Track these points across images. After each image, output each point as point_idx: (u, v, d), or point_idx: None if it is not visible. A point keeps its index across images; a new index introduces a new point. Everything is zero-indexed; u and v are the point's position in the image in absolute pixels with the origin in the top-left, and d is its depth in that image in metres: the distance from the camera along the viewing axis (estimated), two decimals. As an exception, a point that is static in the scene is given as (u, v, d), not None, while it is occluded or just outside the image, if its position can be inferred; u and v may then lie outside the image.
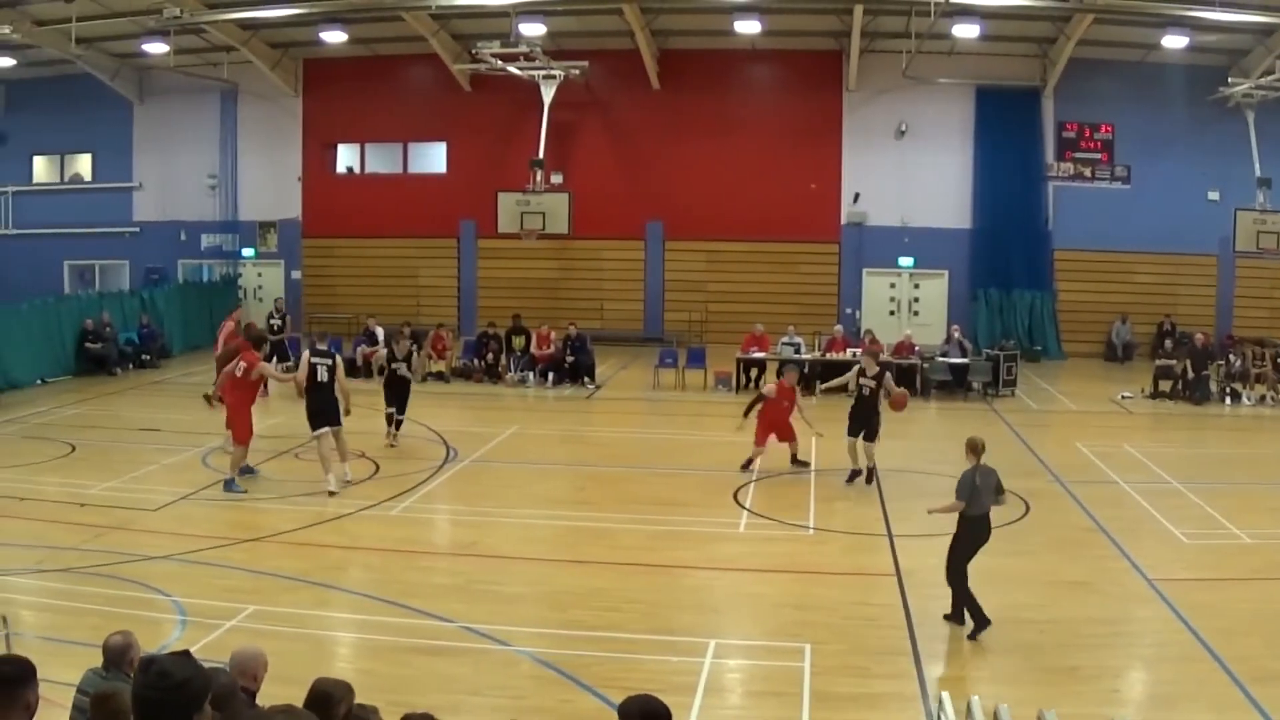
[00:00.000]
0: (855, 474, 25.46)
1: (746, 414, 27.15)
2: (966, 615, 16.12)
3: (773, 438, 26.74)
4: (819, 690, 14.06)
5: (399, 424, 29.50)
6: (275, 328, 39.97)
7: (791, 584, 18.51)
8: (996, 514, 17.88)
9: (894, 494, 24.23)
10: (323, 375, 25.10)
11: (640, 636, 15.88)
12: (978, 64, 47.17)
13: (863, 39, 45.36)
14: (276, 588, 18.18)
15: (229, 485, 24.88)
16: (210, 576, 18.75)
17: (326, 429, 24.96)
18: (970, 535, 16.38)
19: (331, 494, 24.18)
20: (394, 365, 30.02)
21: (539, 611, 17.17)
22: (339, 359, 25.87)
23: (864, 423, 25.53)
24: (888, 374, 26.39)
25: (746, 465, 26.45)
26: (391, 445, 28.93)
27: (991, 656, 15.39)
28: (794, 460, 27.01)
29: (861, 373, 26.16)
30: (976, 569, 17.19)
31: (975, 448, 16.93)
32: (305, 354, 26.04)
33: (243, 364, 25.91)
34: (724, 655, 15.31)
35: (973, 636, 15.90)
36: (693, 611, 17.31)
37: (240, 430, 25.58)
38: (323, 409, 25.06)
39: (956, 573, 16.27)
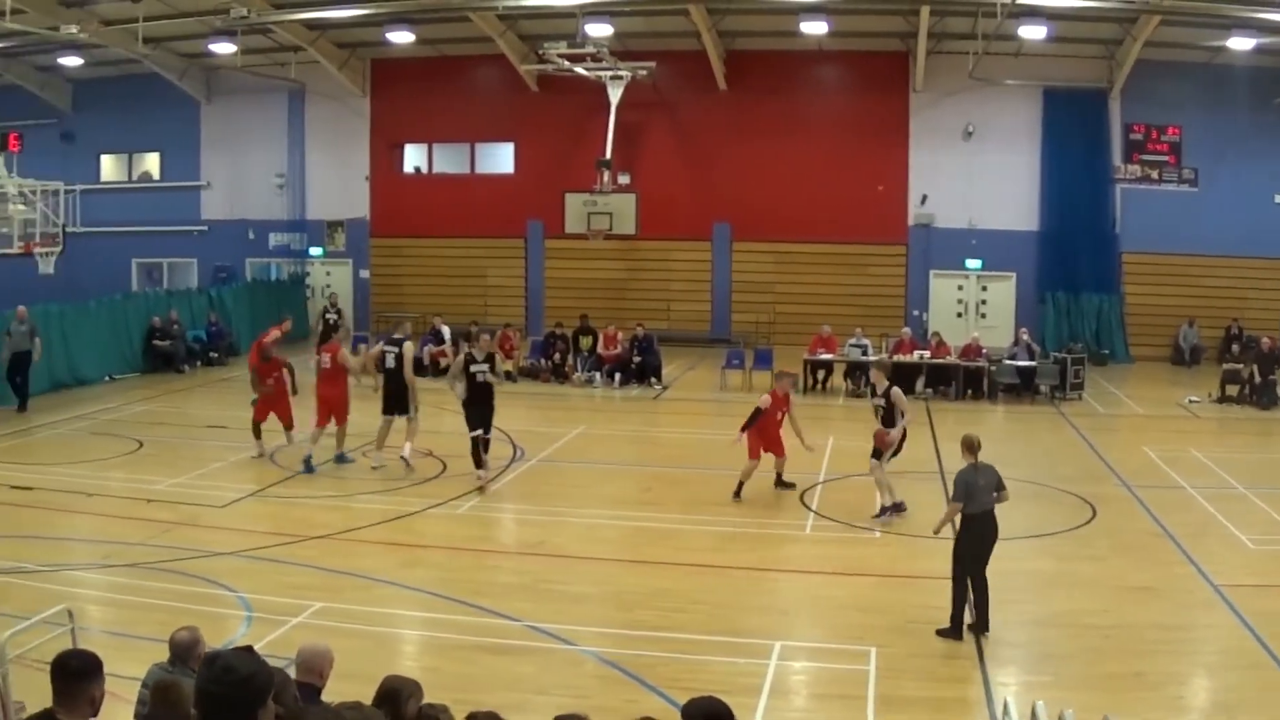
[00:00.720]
0: (894, 508, 23.11)
1: (745, 429, 24.54)
2: (988, 621, 16.16)
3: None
4: (884, 693, 14.12)
5: (487, 445, 25.38)
6: (330, 322, 40.02)
7: (857, 586, 18.54)
8: (1063, 518, 17.90)
9: (961, 497, 24.16)
10: (389, 362, 26.40)
11: (705, 638, 15.96)
12: (1044, 65, 46.90)
13: (929, 40, 45.21)
14: (343, 585, 18.35)
15: (340, 459, 26.79)
16: (276, 573, 18.96)
17: (390, 416, 26.29)
18: (970, 534, 16.32)
19: (374, 468, 25.90)
20: (473, 370, 25.37)
21: (605, 611, 17.26)
22: (406, 351, 26.19)
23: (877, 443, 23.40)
24: (896, 390, 23.19)
25: (738, 493, 24.19)
26: (481, 488, 24.69)
27: (1056, 661, 15.40)
28: (779, 481, 25.11)
29: (871, 390, 24.81)
30: (1041, 573, 17.25)
31: (971, 445, 16.88)
32: (379, 343, 28.13)
33: (326, 356, 26.65)
34: (789, 657, 15.39)
35: (942, 633, 16.02)
36: (758, 613, 17.39)
37: (339, 413, 27.07)
38: (386, 396, 26.57)
39: (959, 572, 16.20)
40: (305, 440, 27.05)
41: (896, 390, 23.09)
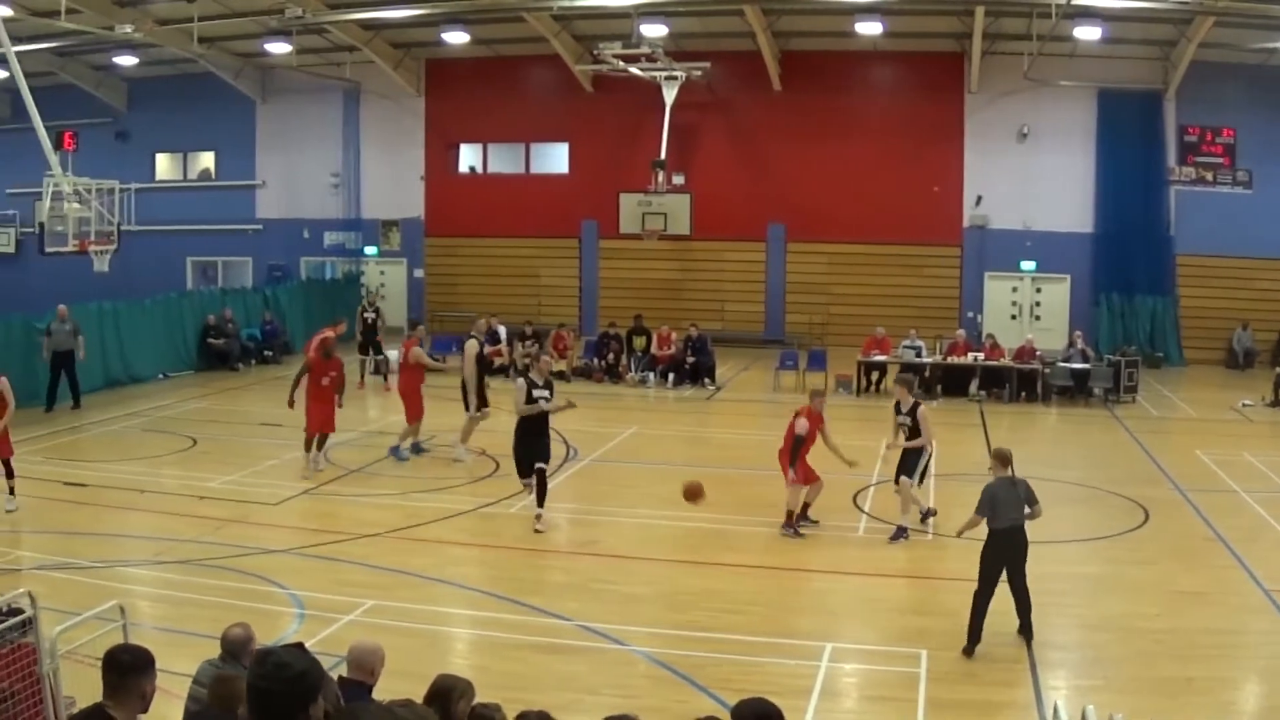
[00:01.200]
0: (927, 514, 22.47)
1: (794, 462, 21.95)
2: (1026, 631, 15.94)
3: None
4: (934, 697, 14.11)
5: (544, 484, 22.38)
6: (369, 320, 40.13)
7: (909, 589, 18.55)
8: (1115, 521, 17.80)
9: (1014, 499, 24.05)
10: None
11: (757, 639, 15.98)
12: (1099, 67, 46.61)
13: (984, 41, 45.02)
14: (395, 583, 18.45)
15: (394, 451, 27.12)
16: (329, 570, 19.09)
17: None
18: (994, 548, 15.88)
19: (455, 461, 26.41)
20: (536, 395, 22.33)
21: (656, 611, 17.27)
22: (469, 349, 26.56)
23: (902, 461, 22.25)
24: (923, 408, 22.27)
25: (798, 522, 21.97)
26: (539, 529, 22.02)
27: (1107, 665, 15.34)
28: (804, 513, 22.38)
29: (897, 407, 22.80)
30: (1092, 576, 17.23)
31: (1004, 458, 16.50)
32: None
33: (401, 351, 27.41)
34: (840, 659, 15.38)
35: (969, 652, 15.61)
36: (810, 615, 17.41)
37: (412, 410, 27.55)
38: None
39: (980, 584, 15.81)
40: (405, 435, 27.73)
41: (924, 409, 22.34)
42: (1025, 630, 15.87)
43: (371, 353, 39.05)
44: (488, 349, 39.50)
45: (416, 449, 27.78)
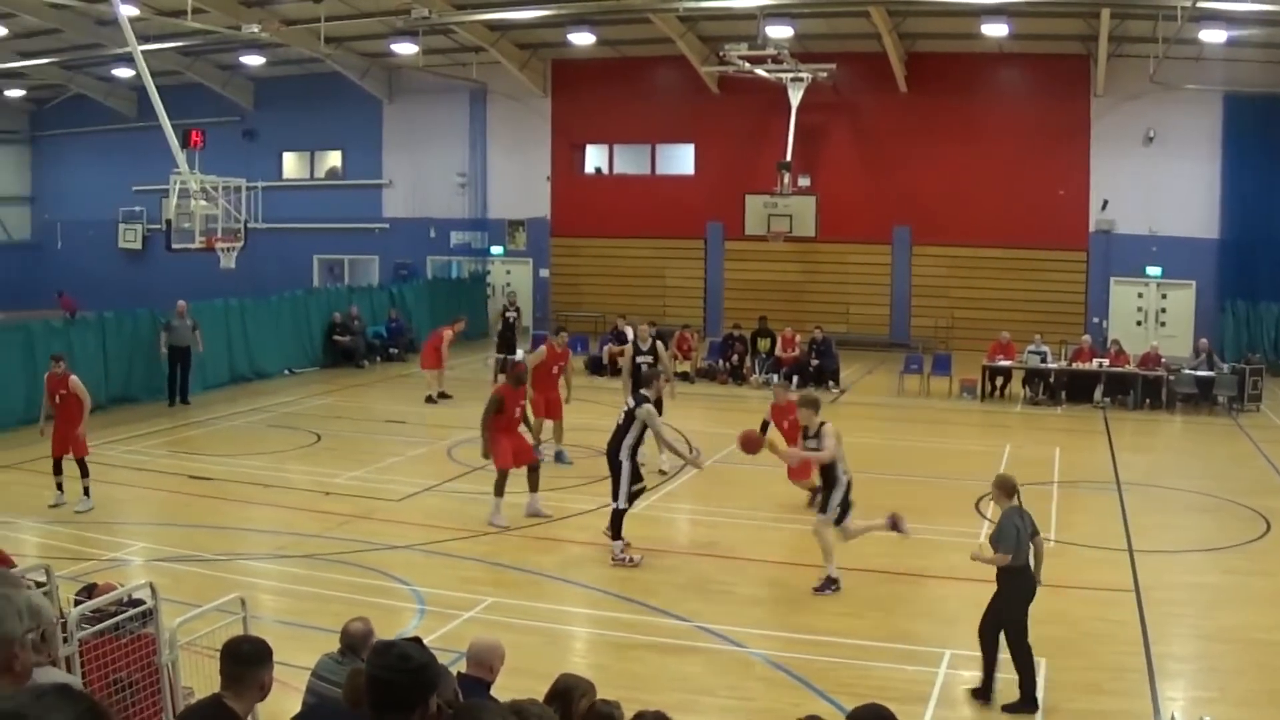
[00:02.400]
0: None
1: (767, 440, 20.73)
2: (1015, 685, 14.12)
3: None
4: (1051, 705, 14.00)
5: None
6: (509, 321, 40.26)
7: (1028, 596, 18.39)
8: (1236, 531, 17.62)
9: (1136, 508, 23.83)
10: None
11: (875, 644, 15.98)
12: (1225, 70, 46.00)
13: (1110, 43, 44.52)
14: (515, 581, 18.61)
15: (558, 456, 27.36)
16: (450, 567, 19.23)
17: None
18: (1017, 589, 14.31)
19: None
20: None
21: (774, 614, 17.25)
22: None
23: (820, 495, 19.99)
24: (827, 427, 19.24)
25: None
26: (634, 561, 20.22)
27: (1223, 676, 15.17)
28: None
29: (804, 431, 19.79)
30: (1211, 587, 17.10)
31: (1007, 487, 14.70)
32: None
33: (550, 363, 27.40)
34: (958, 666, 15.28)
35: (1008, 708, 14.03)
36: (929, 620, 17.31)
37: (556, 410, 27.66)
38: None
39: (1012, 635, 14.17)
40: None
41: (829, 426, 19.25)
42: (1027, 704, 14.09)
43: (508, 352, 39.20)
44: (612, 348, 39.81)
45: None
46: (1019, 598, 14.28)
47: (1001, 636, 14.24)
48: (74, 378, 23.10)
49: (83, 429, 22.99)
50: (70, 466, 22.89)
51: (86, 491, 22.87)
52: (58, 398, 23.12)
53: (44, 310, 48.31)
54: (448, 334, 36.22)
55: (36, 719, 3.31)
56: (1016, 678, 14.00)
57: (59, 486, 23.02)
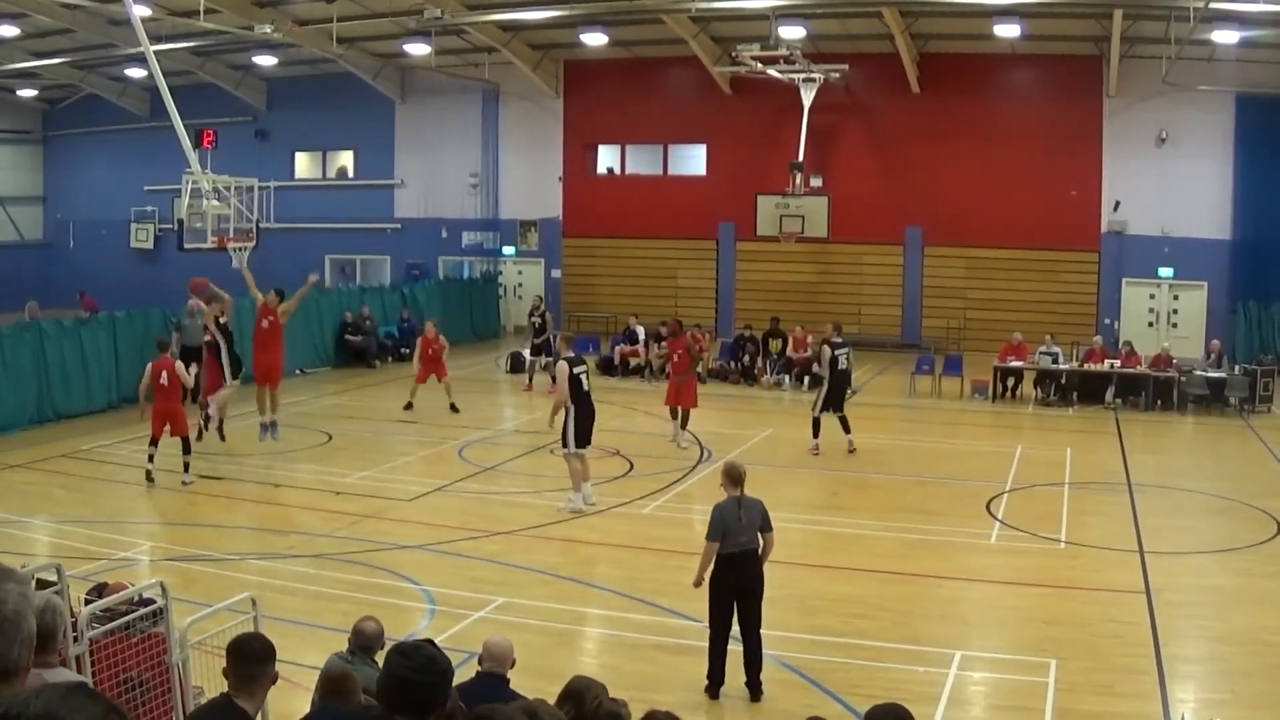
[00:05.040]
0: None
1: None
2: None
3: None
4: (1062, 707, 13.96)
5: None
6: (536, 325, 40.26)
7: (1040, 598, 18.34)
8: (1247, 533, 17.55)
9: (1148, 509, 23.72)
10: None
11: (886, 645, 15.96)
12: (1237, 71, 45.79)
13: (1122, 44, 44.45)
14: (526, 581, 18.60)
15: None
16: (460, 567, 19.24)
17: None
18: (721, 577, 14.27)
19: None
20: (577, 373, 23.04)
21: (786, 615, 17.15)
22: (560, 371, 26.84)
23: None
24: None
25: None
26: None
27: (1235, 679, 15.12)
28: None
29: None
30: (1222, 589, 17.07)
31: (734, 475, 14.69)
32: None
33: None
34: (969, 667, 15.25)
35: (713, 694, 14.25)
36: (940, 622, 17.30)
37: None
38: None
39: (712, 624, 14.36)
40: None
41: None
42: (753, 687, 14.33)
43: (543, 355, 39.08)
44: (623, 349, 39.80)
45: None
46: (718, 584, 14.32)
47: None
48: (178, 363, 25.02)
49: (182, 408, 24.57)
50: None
51: (186, 468, 24.42)
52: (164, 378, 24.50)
53: (57, 310, 48.27)
54: (439, 337, 35.97)
55: (65, 719, 3.33)
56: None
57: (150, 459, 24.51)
